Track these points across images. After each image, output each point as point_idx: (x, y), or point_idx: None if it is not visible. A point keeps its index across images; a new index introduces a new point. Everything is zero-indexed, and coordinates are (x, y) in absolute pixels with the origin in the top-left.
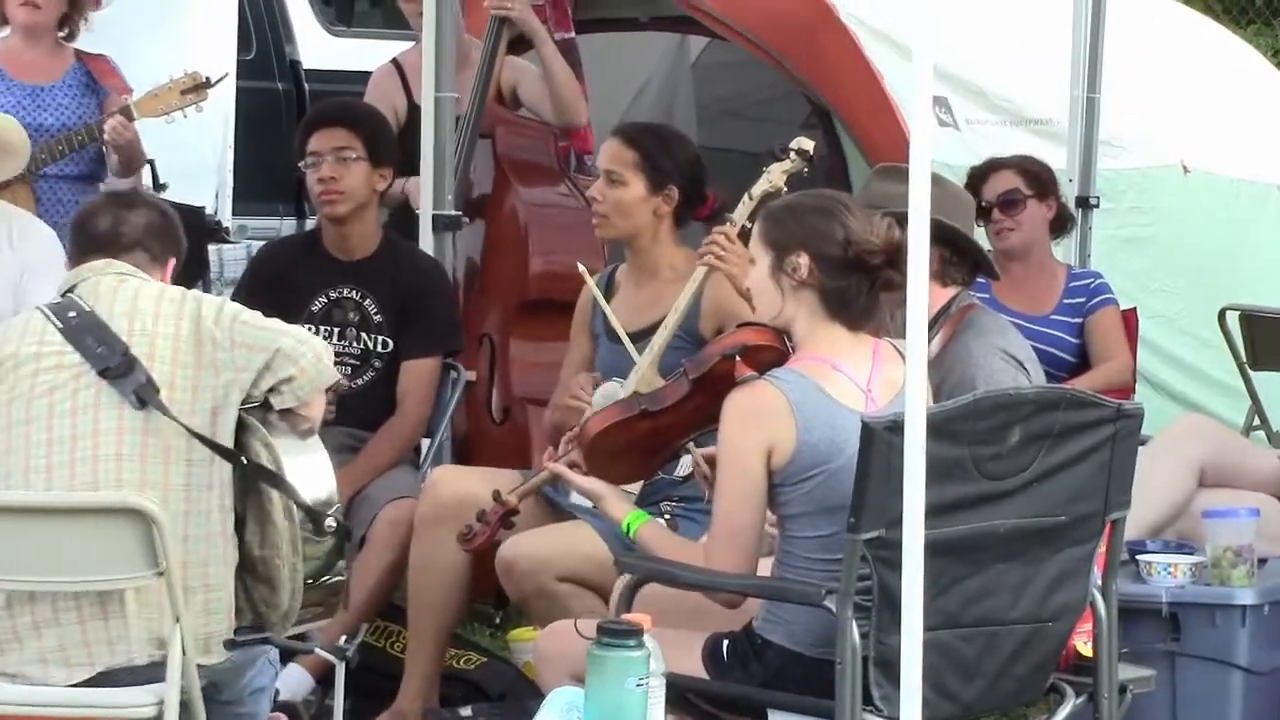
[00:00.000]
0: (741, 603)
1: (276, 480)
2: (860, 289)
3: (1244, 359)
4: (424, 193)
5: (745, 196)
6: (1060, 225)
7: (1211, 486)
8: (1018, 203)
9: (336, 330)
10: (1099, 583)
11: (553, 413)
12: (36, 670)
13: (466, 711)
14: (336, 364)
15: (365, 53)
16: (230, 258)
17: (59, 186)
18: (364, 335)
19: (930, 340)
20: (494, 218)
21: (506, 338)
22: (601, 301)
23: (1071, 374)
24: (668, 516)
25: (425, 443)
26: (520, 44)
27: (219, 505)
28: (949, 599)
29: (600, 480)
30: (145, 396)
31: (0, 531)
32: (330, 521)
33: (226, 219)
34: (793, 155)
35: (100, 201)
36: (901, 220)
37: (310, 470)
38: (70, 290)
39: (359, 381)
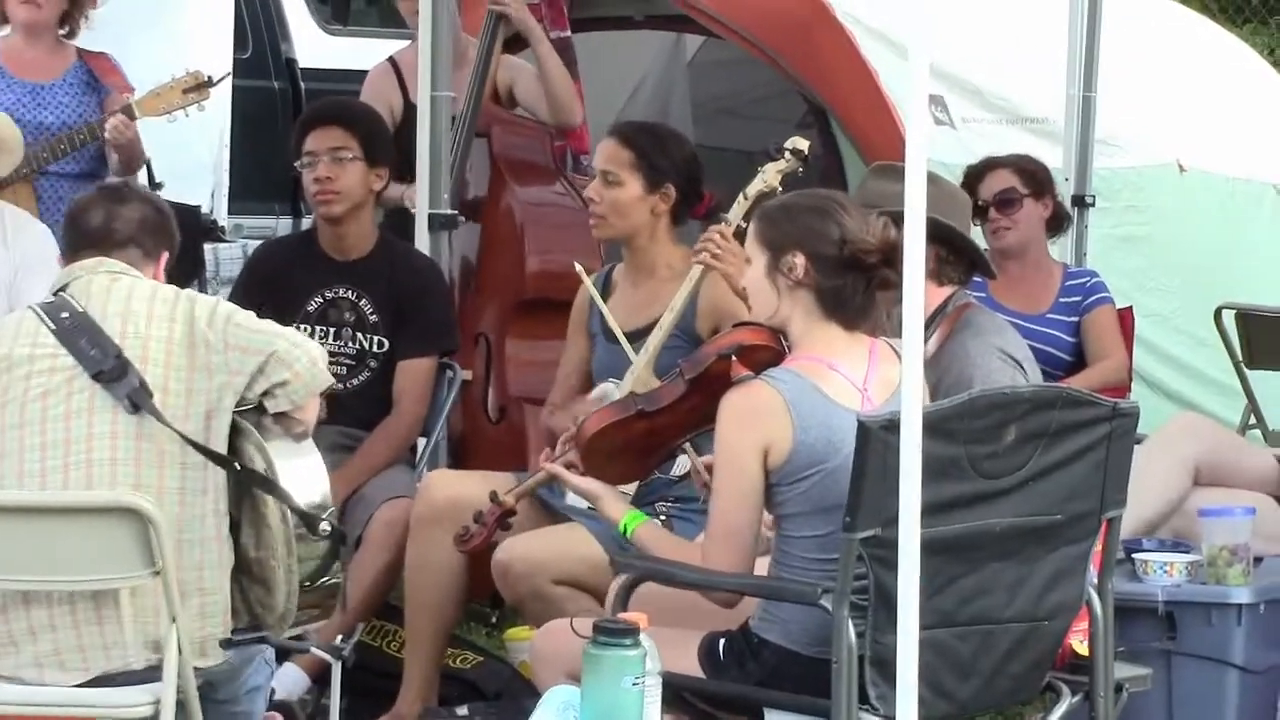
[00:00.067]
0: (738, 602)
1: (270, 486)
2: (856, 288)
3: (1240, 358)
4: (420, 192)
5: (740, 196)
6: (1056, 224)
7: (1207, 485)
8: (1014, 202)
9: (332, 330)
10: (1095, 581)
11: (550, 413)
12: (32, 674)
13: (463, 711)
14: (332, 363)
15: (361, 51)
16: (226, 257)
17: (60, 184)
18: (360, 335)
19: (927, 339)
20: (490, 217)
21: (502, 337)
22: (599, 302)
23: (1068, 373)
24: (663, 517)
25: (421, 442)
26: (516, 43)
27: (213, 509)
28: (945, 598)
29: (597, 480)
30: (139, 401)
31: None
32: (325, 526)
33: (222, 218)
34: (787, 155)
35: (93, 196)
36: (897, 219)
37: (304, 474)
38: (63, 289)
39: (355, 381)
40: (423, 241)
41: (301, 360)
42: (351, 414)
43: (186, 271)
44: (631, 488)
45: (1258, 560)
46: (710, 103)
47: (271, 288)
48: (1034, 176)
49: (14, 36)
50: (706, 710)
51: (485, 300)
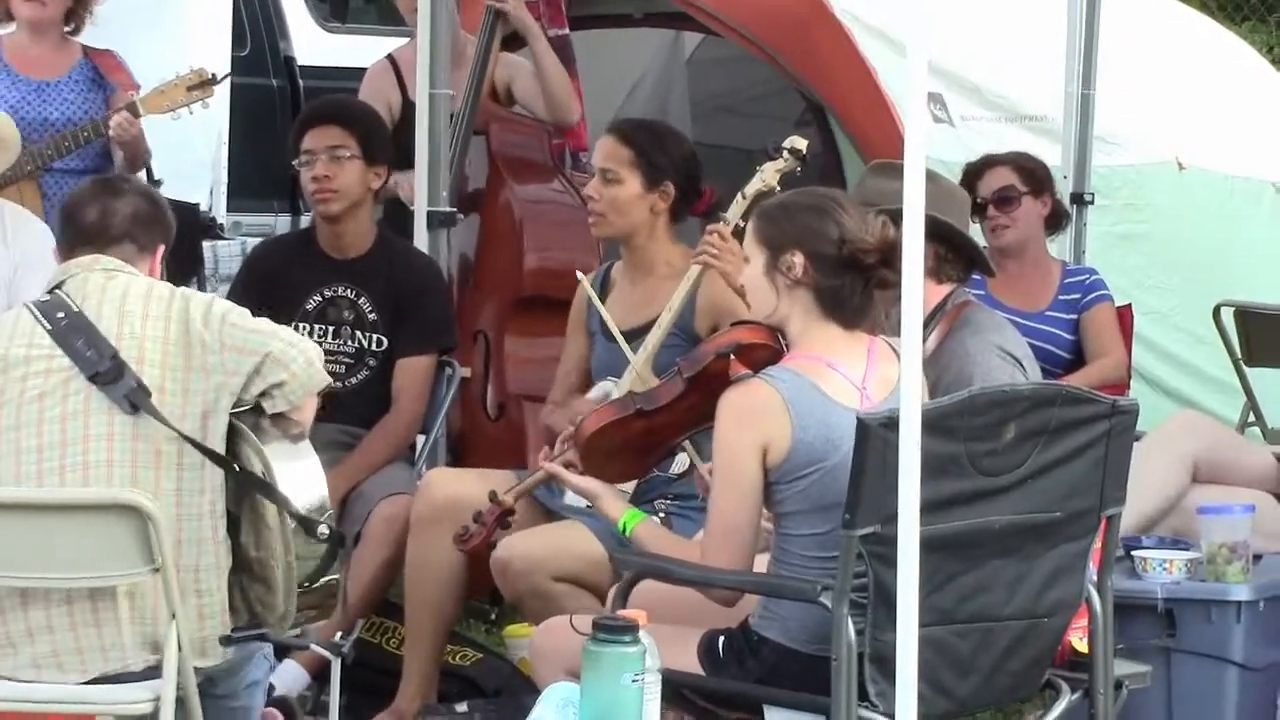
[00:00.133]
0: (738, 600)
1: (268, 490)
2: (855, 288)
3: (1239, 355)
4: (418, 189)
5: (739, 195)
6: (1055, 222)
7: (1206, 482)
8: (1013, 199)
9: (331, 328)
10: (1094, 579)
11: (549, 411)
12: (30, 676)
13: (462, 708)
14: (331, 362)
15: (360, 49)
16: (225, 254)
17: (66, 182)
18: (359, 333)
19: (926, 337)
20: (488, 215)
21: (501, 334)
22: (598, 304)
23: (1067, 370)
24: (662, 515)
25: (420, 439)
26: (514, 41)
27: (210, 510)
28: (944, 595)
29: (596, 479)
30: (137, 401)
31: None
32: (323, 529)
33: (221, 216)
34: (786, 154)
35: (87, 190)
36: (896, 218)
37: (301, 475)
38: (58, 286)
39: (354, 379)
40: (421, 239)
41: (298, 360)
42: (351, 412)
43: (185, 269)
44: (630, 486)
45: (1257, 558)
46: (709, 100)
47: (270, 286)
48: (1033, 174)
49: (19, 34)
50: (706, 707)
51: (484, 298)
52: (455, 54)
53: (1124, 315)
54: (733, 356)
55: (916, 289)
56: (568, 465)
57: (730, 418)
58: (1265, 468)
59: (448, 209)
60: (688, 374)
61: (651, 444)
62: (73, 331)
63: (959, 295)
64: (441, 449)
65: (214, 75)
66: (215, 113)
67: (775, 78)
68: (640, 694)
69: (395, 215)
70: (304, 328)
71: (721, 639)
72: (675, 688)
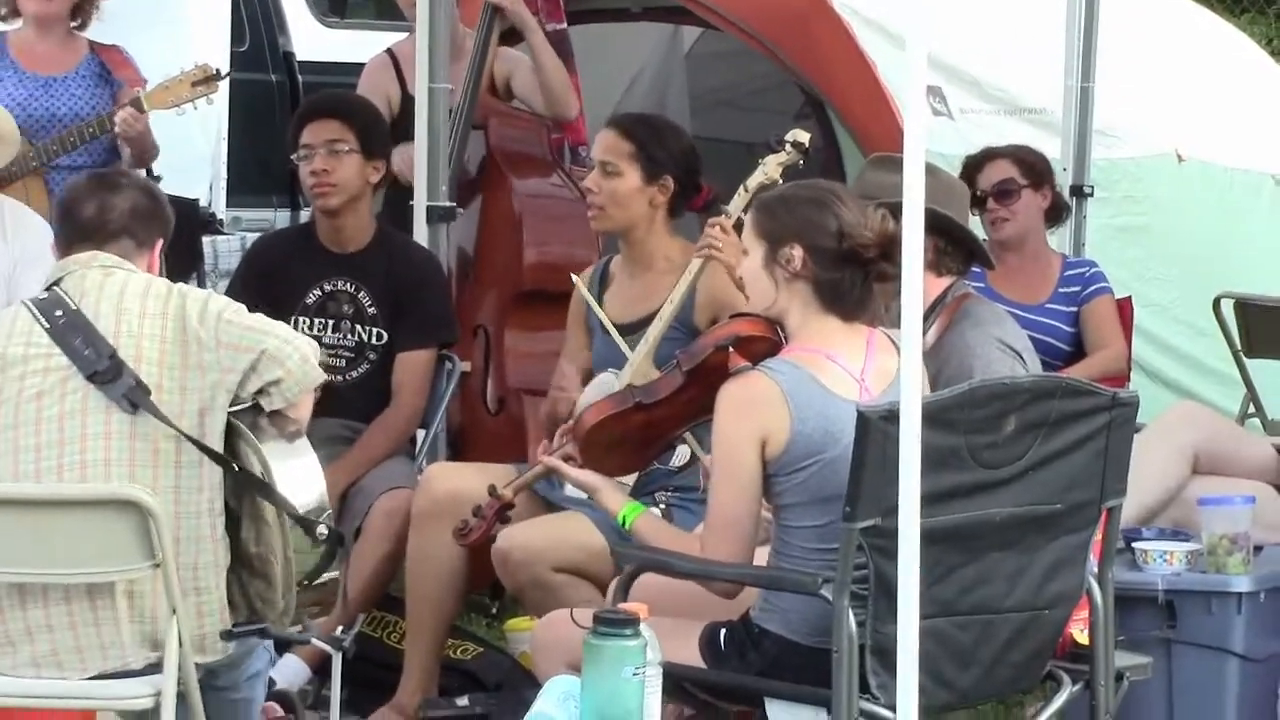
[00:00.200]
0: (738, 592)
1: (268, 491)
2: (854, 281)
3: (1239, 347)
4: (417, 184)
5: (741, 188)
6: (1055, 215)
7: (1206, 474)
8: (1012, 192)
9: (331, 322)
10: (1095, 570)
11: (550, 405)
12: (30, 674)
13: (463, 701)
14: (331, 355)
15: (358, 44)
16: (225, 249)
17: (72, 178)
18: (358, 327)
19: (926, 330)
20: (488, 209)
21: (501, 328)
22: (594, 305)
23: (1067, 363)
24: (663, 507)
25: (420, 434)
26: (513, 35)
27: (208, 508)
28: (945, 587)
29: (595, 473)
30: (136, 400)
31: None
32: (322, 529)
33: (221, 211)
34: (788, 147)
35: (84, 185)
36: (895, 211)
37: (299, 474)
38: (56, 283)
39: (354, 373)
40: (421, 233)
41: (293, 358)
42: (351, 406)
43: (185, 264)
44: (631, 479)
45: (1257, 549)
46: (708, 94)
47: (270, 281)
48: (1033, 167)
49: (26, 30)
50: (707, 700)
51: (484, 292)
52: (454, 48)
53: (1124, 307)
54: (732, 349)
55: (917, 282)
56: (567, 458)
57: (729, 410)
58: (1265, 459)
59: (447, 203)
60: (687, 367)
61: (651, 437)
62: (71, 330)
63: (959, 288)
64: (442, 443)
65: (218, 70)
66: (214, 108)
67: (774, 72)
68: (641, 687)
69: (395, 209)
70: (304, 322)
71: (722, 632)
72: (676, 681)
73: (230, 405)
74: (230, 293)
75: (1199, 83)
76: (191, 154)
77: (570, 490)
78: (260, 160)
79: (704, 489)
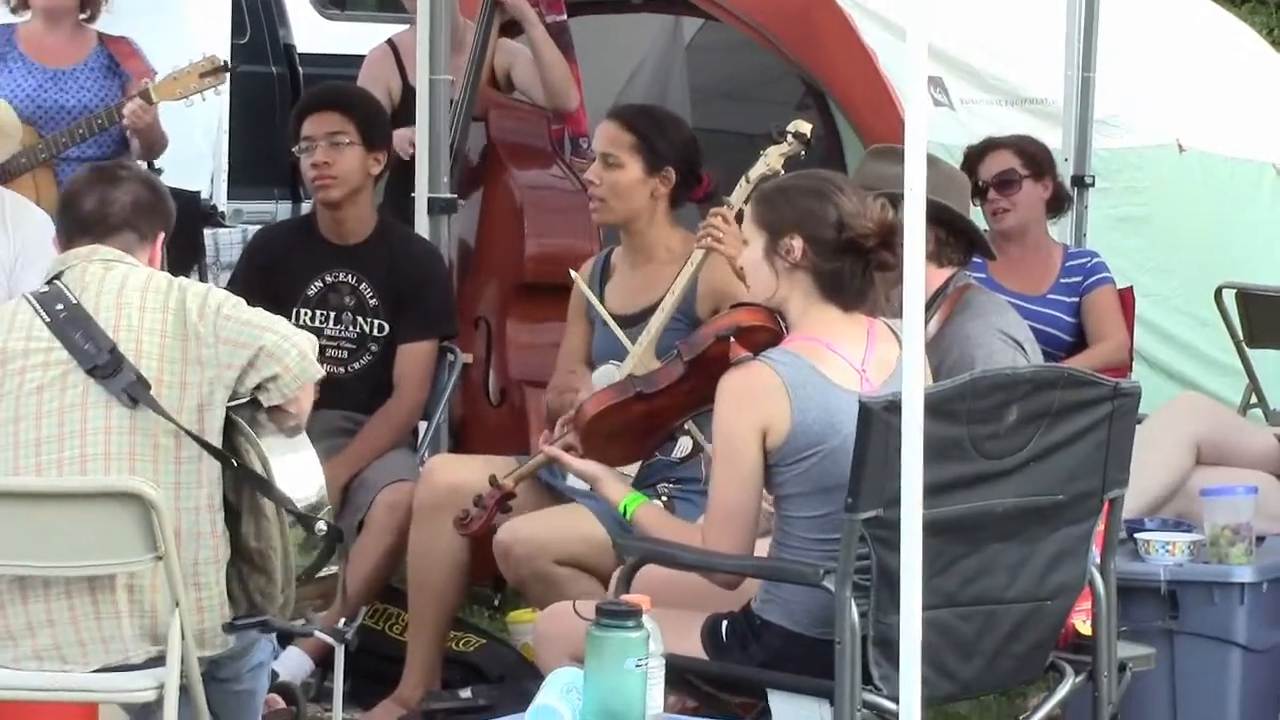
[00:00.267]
0: (740, 583)
1: (267, 488)
2: (854, 271)
3: (1240, 337)
4: (419, 176)
5: (742, 179)
6: (1056, 205)
7: (1208, 464)
8: (1014, 183)
9: (332, 314)
10: (1097, 561)
11: (552, 396)
12: (33, 668)
13: (466, 693)
14: (332, 348)
15: (359, 36)
16: (226, 242)
17: (81, 170)
18: (360, 319)
19: (927, 321)
20: (489, 201)
21: (503, 320)
22: (594, 301)
23: (1068, 353)
24: (665, 498)
25: (422, 426)
26: (513, 27)
27: (208, 504)
28: (947, 578)
29: (597, 463)
30: (136, 395)
31: None
32: (321, 525)
33: (222, 203)
34: (790, 138)
35: (86, 178)
36: (895, 200)
37: (298, 469)
38: (57, 277)
39: (355, 365)
40: (422, 225)
41: (291, 354)
42: (352, 398)
43: (186, 257)
44: (633, 469)
45: (1260, 539)
46: (708, 86)
47: (271, 273)
48: (1034, 158)
49: (34, 22)
50: (710, 692)
51: (485, 283)
52: (455, 40)
53: (1125, 298)
54: (732, 339)
55: (918, 273)
56: (568, 448)
57: (730, 400)
58: (1267, 449)
59: (448, 195)
60: (687, 357)
61: (652, 427)
62: (71, 324)
63: (960, 279)
64: (444, 435)
65: (225, 62)
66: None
67: (775, 63)
68: (644, 679)
69: (396, 201)
70: (305, 313)
71: (724, 623)
72: (679, 672)
73: (229, 400)
74: (232, 286)
75: (1200, 73)
76: (192, 146)
77: (573, 480)
78: (261, 153)
79: (706, 480)
